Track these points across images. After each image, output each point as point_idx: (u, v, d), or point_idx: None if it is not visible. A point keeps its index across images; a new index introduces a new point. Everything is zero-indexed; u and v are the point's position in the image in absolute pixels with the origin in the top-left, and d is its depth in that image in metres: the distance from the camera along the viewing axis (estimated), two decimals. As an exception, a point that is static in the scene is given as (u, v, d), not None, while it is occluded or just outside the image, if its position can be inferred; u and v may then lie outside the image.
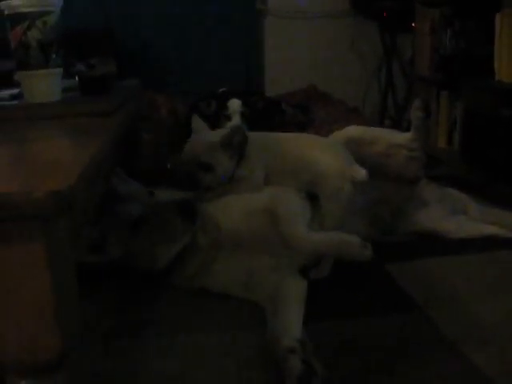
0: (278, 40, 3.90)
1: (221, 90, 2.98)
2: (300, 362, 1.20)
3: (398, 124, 3.81)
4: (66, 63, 1.72)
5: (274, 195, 1.65)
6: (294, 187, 1.73)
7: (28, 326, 0.74)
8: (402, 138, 2.06)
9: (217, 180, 1.76)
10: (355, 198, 1.73)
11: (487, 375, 1.24)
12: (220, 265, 1.63)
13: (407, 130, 3.75)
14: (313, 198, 1.73)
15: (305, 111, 3.27)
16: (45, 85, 1.60)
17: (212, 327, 1.49)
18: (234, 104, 2.74)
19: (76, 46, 2.75)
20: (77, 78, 1.77)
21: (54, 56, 1.58)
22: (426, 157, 2.11)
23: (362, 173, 1.69)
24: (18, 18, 1.53)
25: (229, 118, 2.72)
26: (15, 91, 1.77)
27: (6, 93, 1.79)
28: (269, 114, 2.99)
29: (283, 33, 3.90)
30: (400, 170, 2.02)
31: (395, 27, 3.83)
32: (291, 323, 1.35)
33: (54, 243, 0.73)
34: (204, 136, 1.85)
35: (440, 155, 3.25)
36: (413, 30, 3.66)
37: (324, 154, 1.77)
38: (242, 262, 1.61)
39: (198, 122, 1.92)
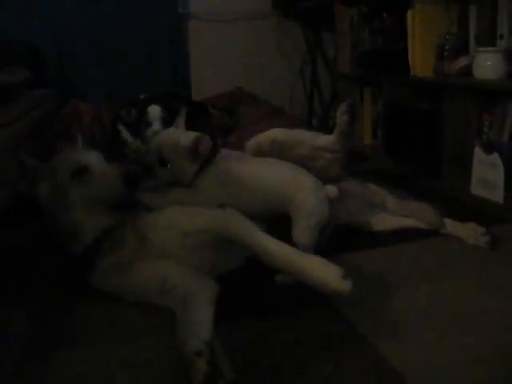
0: (203, 43, 3.90)
1: (142, 96, 2.96)
2: (206, 364, 1.19)
3: (325, 122, 3.87)
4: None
5: (223, 216, 1.61)
6: (261, 211, 1.73)
7: None
8: (324, 140, 2.06)
9: (171, 177, 1.76)
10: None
11: (391, 365, 1.26)
12: (138, 267, 1.60)
13: (333, 128, 3.83)
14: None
15: (231, 114, 3.28)
16: None
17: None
18: (154, 110, 2.73)
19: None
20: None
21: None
22: (350, 155, 2.13)
23: (334, 191, 1.77)
24: None
25: (149, 124, 2.71)
26: None
27: None
28: (193, 119, 2.98)
29: (207, 36, 3.90)
30: (323, 171, 2.04)
31: (317, 26, 3.88)
32: (200, 326, 1.33)
33: None
34: (175, 134, 1.83)
35: (366, 151, 3.31)
36: (334, 28, 3.71)
37: (298, 176, 1.79)
38: (158, 268, 1.59)
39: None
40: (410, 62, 2.83)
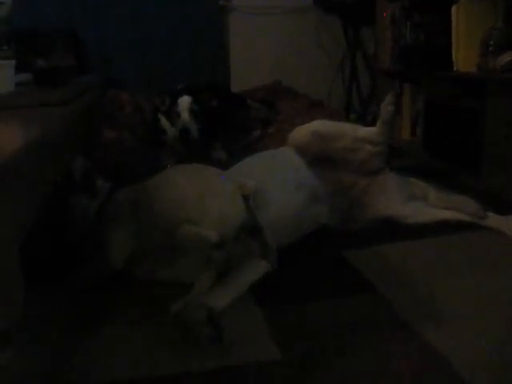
0: (243, 36, 3.92)
1: (179, 86, 3.01)
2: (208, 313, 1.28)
3: (363, 117, 3.86)
4: (27, 58, 1.71)
5: None
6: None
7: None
8: (367, 131, 2.08)
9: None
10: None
11: (439, 352, 1.26)
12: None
13: (372, 123, 3.83)
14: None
15: (270, 106, 3.30)
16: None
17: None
18: (184, 101, 2.78)
19: (39, 43, 2.74)
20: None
21: (5, 48, 1.57)
22: (390, 149, 2.13)
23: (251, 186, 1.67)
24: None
25: (179, 115, 2.76)
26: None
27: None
28: (226, 111, 3.03)
29: (247, 29, 3.92)
30: (362, 164, 2.05)
31: (357, 21, 3.87)
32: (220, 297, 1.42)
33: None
34: None
35: (404, 147, 3.30)
36: (375, 23, 3.70)
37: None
38: None
39: None
40: (454, 58, 2.80)
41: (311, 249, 1.82)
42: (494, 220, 1.97)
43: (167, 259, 1.60)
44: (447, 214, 2.02)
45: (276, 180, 1.83)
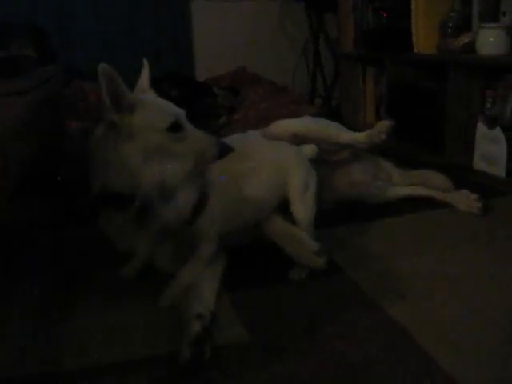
0: (206, 25, 3.90)
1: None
2: (202, 328, 1.26)
3: (328, 101, 3.89)
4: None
5: None
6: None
7: None
8: (350, 139, 2.01)
9: None
10: None
11: (401, 325, 1.30)
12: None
13: (337, 108, 3.85)
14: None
15: (235, 93, 3.30)
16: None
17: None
18: None
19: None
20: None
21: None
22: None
23: (313, 148, 1.78)
24: None
25: None
26: None
27: None
28: (188, 100, 3.02)
29: (210, 17, 3.90)
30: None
31: (320, 7, 3.89)
32: (207, 295, 1.42)
33: None
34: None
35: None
36: (338, 9, 3.72)
37: (284, 153, 1.76)
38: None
39: None
40: (414, 40, 2.84)
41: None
42: (447, 194, 2.04)
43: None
44: (409, 191, 2.07)
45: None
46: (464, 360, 1.16)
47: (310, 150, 1.82)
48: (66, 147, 2.60)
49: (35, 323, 1.41)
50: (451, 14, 2.64)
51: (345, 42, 3.64)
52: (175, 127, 1.43)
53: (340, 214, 2.02)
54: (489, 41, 2.34)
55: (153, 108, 1.46)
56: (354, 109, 3.61)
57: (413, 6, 2.83)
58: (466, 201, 1.98)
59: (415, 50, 2.85)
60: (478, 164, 2.40)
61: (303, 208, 1.69)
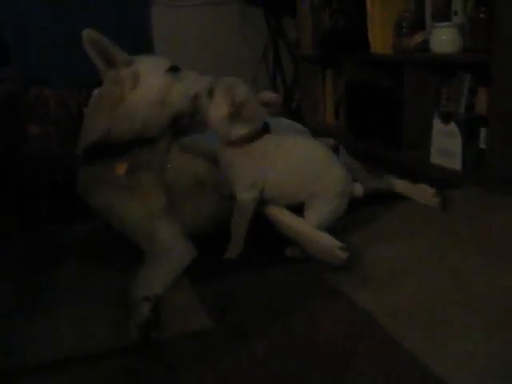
0: (166, 29, 3.92)
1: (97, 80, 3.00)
2: (150, 310, 1.28)
3: (288, 105, 3.94)
4: None
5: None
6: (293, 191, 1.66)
7: None
8: None
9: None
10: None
11: (364, 310, 1.34)
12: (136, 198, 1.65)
13: (297, 110, 3.88)
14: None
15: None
16: None
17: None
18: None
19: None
20: None
21: None
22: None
23: (360, 190, 1.71)
24: None
25: None
26: None
27: None
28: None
29: (171, 22, 3.92)
30: None
31: (279, 11, 3.94)
32: (158, 281, 1.44)
33: None
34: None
35: (329, 130, 3.39)
36: (296, 12, 3.78)
37: (331, 161, 1.69)
38: (152, 214, 1.65)
39: None
40: (370, 41, 2.91)
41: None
42: (404, 188, 2.10)
43: None
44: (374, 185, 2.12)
45: None
46: (427, 340, 1.20)
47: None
48: (25, 151, 2.59)
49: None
50: (405, 15, 2.72)
51: (304, 44, 3.69)
52: (174, 68, 1.69)
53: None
54: (442, 39, 2.42)
55: (150, 58, 1.72)
56: (313, 110, 3.67)
57: (368, 8, 2.90)
58: (424, 195, 2.03)
59: (372, 51, 2.92)
60: (435, 158, 2.47)
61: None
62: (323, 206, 1.63)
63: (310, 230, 1.59)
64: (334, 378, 1.09)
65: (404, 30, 2.69)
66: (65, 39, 3.64)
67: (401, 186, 2.11)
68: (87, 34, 1.52)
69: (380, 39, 2.86)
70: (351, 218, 1.92)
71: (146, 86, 1.62)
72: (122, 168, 1.59)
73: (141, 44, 3.86)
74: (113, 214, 1.65)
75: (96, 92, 1.71)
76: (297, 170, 1.63)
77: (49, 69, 3.63)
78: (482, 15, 2.26)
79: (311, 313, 1.35)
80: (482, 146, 2.27)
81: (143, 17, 3.87)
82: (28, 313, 1.43)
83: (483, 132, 2.26)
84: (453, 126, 2.35)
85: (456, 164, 2.35)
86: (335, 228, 1.66)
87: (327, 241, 1.57)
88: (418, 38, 2.59)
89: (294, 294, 1.45)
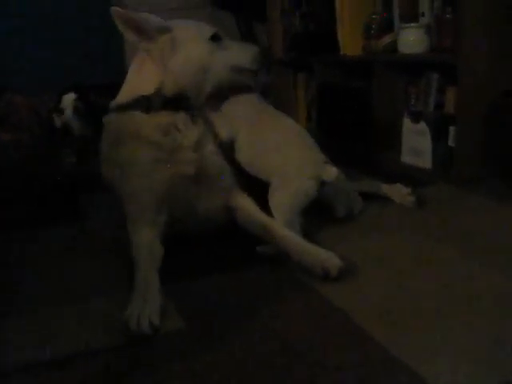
0: (138, 35, 3.90)
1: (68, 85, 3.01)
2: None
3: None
4: None
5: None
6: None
7: None
8: None
9: None
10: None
11: (336, 304, 1.35)
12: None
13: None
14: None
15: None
16: None
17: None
18: (67, 98, 2.81)
19: None
20: None
21: None
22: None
23: (333, 174, 1.71)
24: None
25: (62, 112, 2.78)
26: None
27: None
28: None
29: (142, 27, 3.90)
30: None
31: (249, 15, 3.97)
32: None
33: None
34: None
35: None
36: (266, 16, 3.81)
37: (309, 146, 1.78)
38: None
39: None
40: (340, 43, 2.95)
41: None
42: (384, 188, 2.12)
43: None
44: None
45: None
46: (398, 333, 1.21)
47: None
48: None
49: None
50: (374, 17, 2.76)
51: (275, 49, 3.72)
52: (215, 37, 1.63)
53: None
54: (409, 40, 2.46)
55: (191, 24, 1.67)
56: (285, 113, 3.68)
57: (337, 10, 2.94)
58: (399, 195, 2.06)
59: (342, 52, 2.96)
60: (406, 157, 2.51)
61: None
62: (290, 186, 1.66)
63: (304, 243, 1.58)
64: (308, 374, 1.09)
65: (373, 31, 2.73)
66: (36, 46, 3.64)
67: (375, 185, 2.13)
68: (115, 11, 1.52)
69: (350, 41, 2.90)
70: (325, 217, 1.95)
71: (185, 52, 1.60)
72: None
73: (111, 48, 3.86)
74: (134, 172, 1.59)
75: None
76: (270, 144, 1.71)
77: (19, 72, 3.63)
78: (448, 15, 2.30)
79: (282, 308, 1.36)
80: (452, 144, 2.31)
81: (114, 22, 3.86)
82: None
83: (452, 130, 2.30)
84: (422, 125, 2.39)
85: (426, 162, 2.39)
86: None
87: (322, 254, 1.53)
88: (386, 40, 2.63)
89: (268, 293, 1.46)
